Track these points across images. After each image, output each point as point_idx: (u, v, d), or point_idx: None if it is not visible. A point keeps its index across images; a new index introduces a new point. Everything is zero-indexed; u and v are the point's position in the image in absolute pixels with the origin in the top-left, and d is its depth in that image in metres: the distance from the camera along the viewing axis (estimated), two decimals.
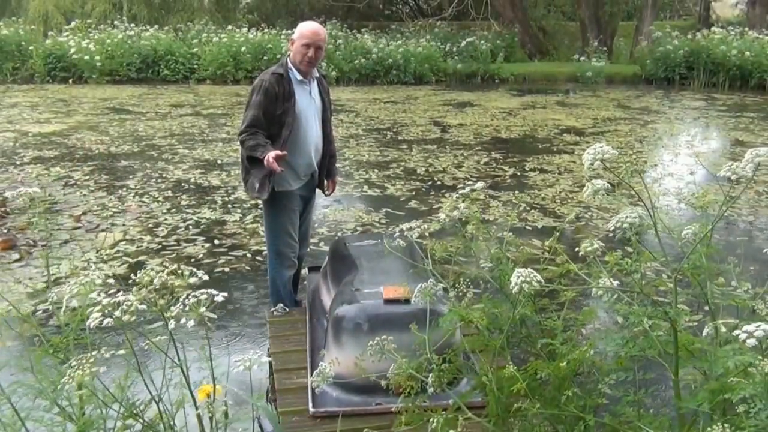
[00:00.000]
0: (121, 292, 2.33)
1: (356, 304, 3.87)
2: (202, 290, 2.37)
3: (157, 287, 2.31)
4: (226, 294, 2.44)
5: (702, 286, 2.44)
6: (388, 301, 3.80)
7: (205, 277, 2.41)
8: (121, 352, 2.47)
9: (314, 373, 2.86)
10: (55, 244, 7.21)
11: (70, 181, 9.99)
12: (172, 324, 2.29)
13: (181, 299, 2.34)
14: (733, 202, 2.28)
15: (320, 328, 4.39)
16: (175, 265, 2.41)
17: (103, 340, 2.57)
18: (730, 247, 7.15)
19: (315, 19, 27.54)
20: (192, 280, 2.37)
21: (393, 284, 3.83)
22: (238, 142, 5.09)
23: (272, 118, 4.94)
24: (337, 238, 5.60)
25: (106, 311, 2.25)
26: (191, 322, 2.29)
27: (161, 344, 2.43)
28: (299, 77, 5.03)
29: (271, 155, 4.77)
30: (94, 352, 2.40)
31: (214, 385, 2.59)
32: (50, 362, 2.59)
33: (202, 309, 2.33)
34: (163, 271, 2.35)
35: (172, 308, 2.31)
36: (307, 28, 5.07)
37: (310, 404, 3.68)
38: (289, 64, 5.06)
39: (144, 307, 2.29)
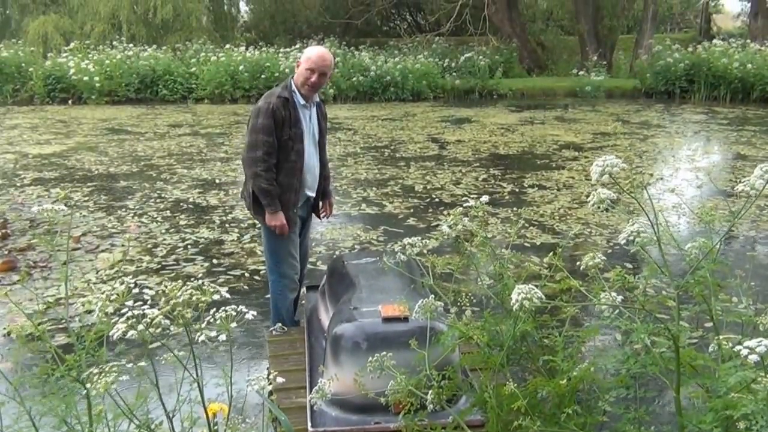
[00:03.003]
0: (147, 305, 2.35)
1: (354, 322, 3.85)
2: (231, 306, 2.42)
3: (181, 302, 2.32)
4: (255, 312, 2.46)
5: (707, 302, 2.42)
6: (387, 320, 3.78)
7: (227, 295, 2.42)
8: (142, 363, 2.47)
9: (313, 390, 2.85)
10: (55, 265, 7.19)
11: (70, 201, 9.97)
12: (202, 337, 2.32)
13: (210, 313, 2.37)
14: (740, 218, 2.26)
15: (319, 347, 4.37)
16: (199, 281, 2.42)
17: (115, 356, 2.56)
18: (732, 263, 7.11)
19: (313, 37, 27.73)
20: (215, 297, 2.38)
21: (391, 302, 3.80)
22: (253, 172, 4.86)
23: (278, 144, 4.87)
24: (335, 256, 5.58)
25: (130, 322, 2.26)
26: (223, 337, 2.33)
27: (173, 360, 2.43)
28: (302, 101, 4.97)
29: (282, 227, 4.92)
30: (115, 362, 2.40)
31: (230, 403, 2.58)
32: (61, 381, 2.58)
33: (233, 324, 2.35)
34: (188, 287, 2.36)
35: (196, 323, 2.33)
36: (313, 52, 4.97)
37: (309, 423, 3.66)
38: (293, 87, 4.96)
39: (167, 321, 2.30)
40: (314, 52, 4.96)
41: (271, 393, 4.12)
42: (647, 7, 27.49)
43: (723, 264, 2.46)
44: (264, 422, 3.49)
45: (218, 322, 2.35)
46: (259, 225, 5.38)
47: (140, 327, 2.26)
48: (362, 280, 4.41)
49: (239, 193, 5.33)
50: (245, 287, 6.77)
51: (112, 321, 2.33)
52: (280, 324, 5.06)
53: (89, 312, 2.44)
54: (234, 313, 2.39)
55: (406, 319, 3.67)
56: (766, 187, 2.12)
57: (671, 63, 22.92)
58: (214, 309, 2.41)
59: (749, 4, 30.55)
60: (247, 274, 7.11)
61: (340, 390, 3.42)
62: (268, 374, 2.54)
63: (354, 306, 4.02)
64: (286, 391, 4.04)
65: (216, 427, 2.76)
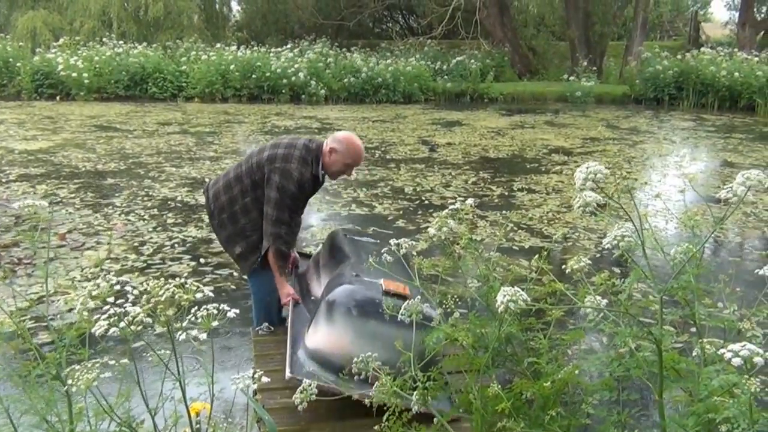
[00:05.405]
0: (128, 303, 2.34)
1: (356, 286, 3.87)
2: (214, 304, 2.41)
3: (163, 300, 2.30)
4: (237, 311, 2.45)
5: (690, 306, 2.42)
6: (387, 293, 3.78)
7: (211, 294, 2.40)
8: (124, 360, 2.45)
9: (297, 390, 2.83)
10: (40, 262, 7.15)
11: (56, 198, 9.92)
12: (182, 336, 2.31)
13: (192, 312, 2.35)
14: (722, 223, 2.26)
15: (302, 315, 4.38)
16: (182, 280, 2.40)
17: (96, 354, 2.55)
18: (717, 268, 7.14)
19: (305, 37, 27.68)
20: (198, 295, 2.36)
21: (393, 280, 3.81)
22: (277, 233, 4.63)
23: None
24: (334, 229, 5.60)
25: (111, 320, 2.24)
26: (204, 335, 2.32)
27: (156, 358, 2.42)
28: (321, 180, 4.88)
29: (292, 296, 4.73)
30: (97, 359, 2.39)
31: (212, 402, 2.57)
32: (41, 379, 2.56)
33: (215, 323, 2.34)
34: (170, 285, 2.34)
35: (179, 321, 2.32)
36: (355, 149, 4.74)
37: (288, 370, 3.67)
38: (320, 166, 4.75)
39: (149, 319, 2.28)
40: (355, 149, 4.75)
41: (255, 393, 4.11)
42: (637, 15, 27.68)
43: (706, 269, 2.46)
44: (249, 422, 3.47)
45: (200, 320, 2.34)
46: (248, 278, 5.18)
47: (122, 324, 2.24)
48: (364, 255, 4.40)
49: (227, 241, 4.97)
50: (232, 287, 6.75)
51: (94, 318, 2.31)
52: (266, 324, 5.03)
53: (71, 310, 2.43)
54: (216, 312, 2.38)
55: (405, 298, 3.67)
56: (747, 194, 2.13)
57: (660, 70, 23.11)
58: (196, 308, 2.40)
59: (737, 14, 30.76)
60: (234, 274, 7.08)
61: (325, 347, 3.43)
62: (253, 374, 2.53)
63: (356, 273, 4.04)
64: (270, 392, 4.02)
65: (198, 426, 2.74)
